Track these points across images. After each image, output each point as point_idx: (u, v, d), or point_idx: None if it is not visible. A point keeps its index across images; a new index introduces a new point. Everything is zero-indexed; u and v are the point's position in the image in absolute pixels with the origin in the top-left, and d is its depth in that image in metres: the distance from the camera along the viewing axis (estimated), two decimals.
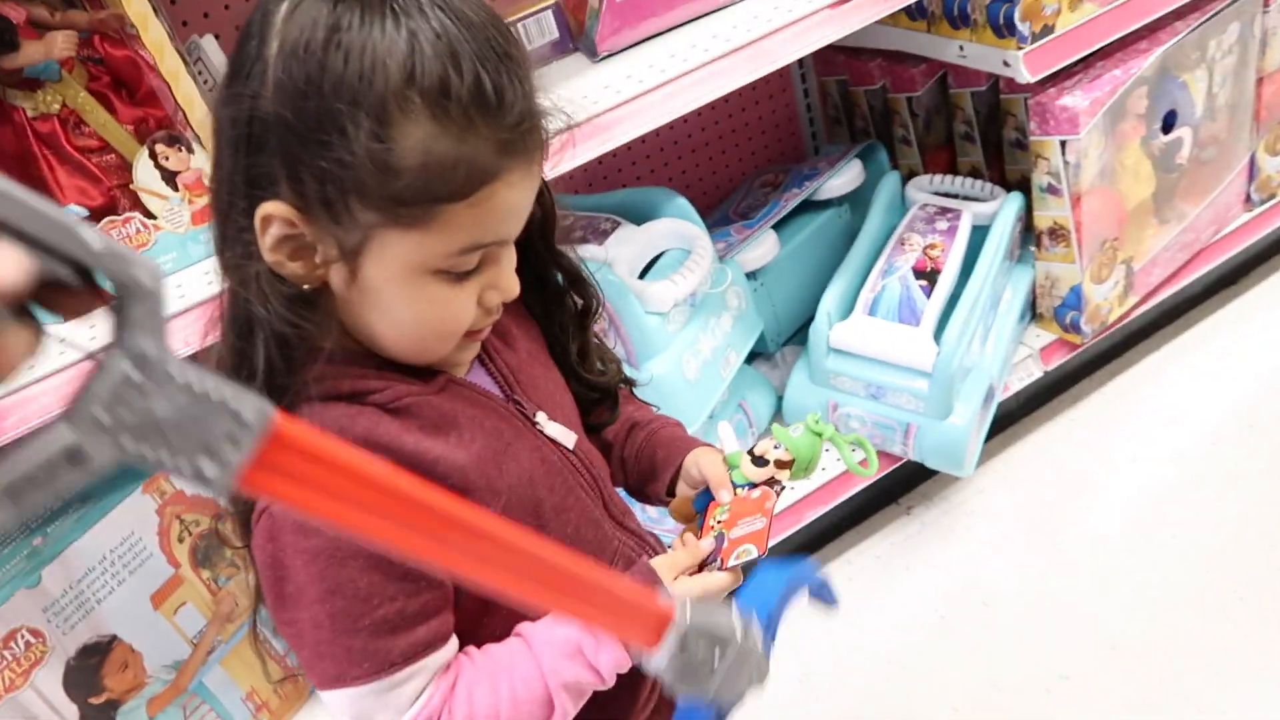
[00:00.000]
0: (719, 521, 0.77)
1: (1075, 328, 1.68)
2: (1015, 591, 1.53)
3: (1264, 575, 1.45)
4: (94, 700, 1.21)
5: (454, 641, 0.69)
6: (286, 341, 0.62)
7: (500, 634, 0.73)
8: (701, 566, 0.74)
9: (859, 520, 1.72)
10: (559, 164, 0.73)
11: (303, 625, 0.64)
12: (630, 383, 0.90)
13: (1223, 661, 1.36)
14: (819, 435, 0.80)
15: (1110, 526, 1.59)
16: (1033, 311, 1.75)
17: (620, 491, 0.88)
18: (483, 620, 0.73)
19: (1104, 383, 1.85)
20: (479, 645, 0.72)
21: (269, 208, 0.59)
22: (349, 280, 0.63)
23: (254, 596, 0.70)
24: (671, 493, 0.84)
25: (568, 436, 0.77)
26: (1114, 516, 1.60)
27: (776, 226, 1.69)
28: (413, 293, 0.63)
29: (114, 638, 1.22)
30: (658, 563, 0.73)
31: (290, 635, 0.65)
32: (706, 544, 0.74)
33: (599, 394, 0.85)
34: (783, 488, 0.79)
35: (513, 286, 0.68)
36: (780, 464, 0.78)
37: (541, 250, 0.77)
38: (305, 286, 0.62)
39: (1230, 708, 1.30)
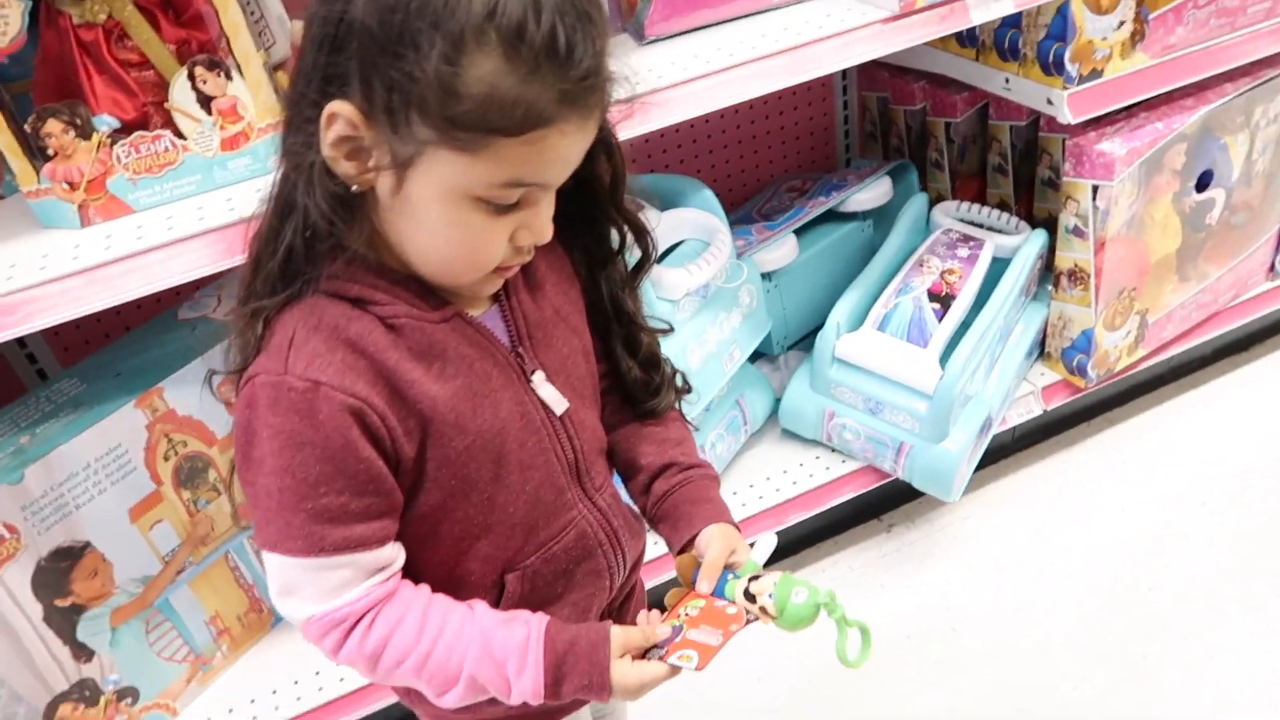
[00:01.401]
0: (686, 614, 0.78)
1: (1081, 371, 1.68)
2: (985, 622, 1.53)
3: (1239, 637, 1.45)
4: (60, 602, 1.21)
5: (393, 550, 0.72)
6: (316, 233, 0.66)
7: (441, 562, 0.76)
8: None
9: (839, 531, 1.72)
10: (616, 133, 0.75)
11: (258, 489, 0.68)
12: (682, 390, 0.90)
13: (1184, 712, 1.36)
14: (819, 608, 0.78)
15: (1089, 570, 1.59)
16: (1041, 350, 1.75)
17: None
18: (426, 544, 0.75)
19: (1101, 429, 1.85)
20: (421, 567, 0.75)
21: (337, 106, 0.62)
22: (394, 190, 0.65)
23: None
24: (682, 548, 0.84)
25: (559, 402, 0.78)
26: (1094, 561, 1.60)
27: (798, 232, 1.69)
28: (451, 215, 0.66)
29: (87, 544, 1.22)
30: (614, 633, 0.73)
31: (248, 494, 0.69)
32: (663, 631, 0.75)
33: (648, 368, 0.86)
34: (755, 620, 0.79)
35: (546, 231, 0.70)
36: (765, 611, 0.78)
37: (608, 208, 0.79)
38: (353, 187, 0.66)
39: None
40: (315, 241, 0.67)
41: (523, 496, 0.76)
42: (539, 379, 0.77)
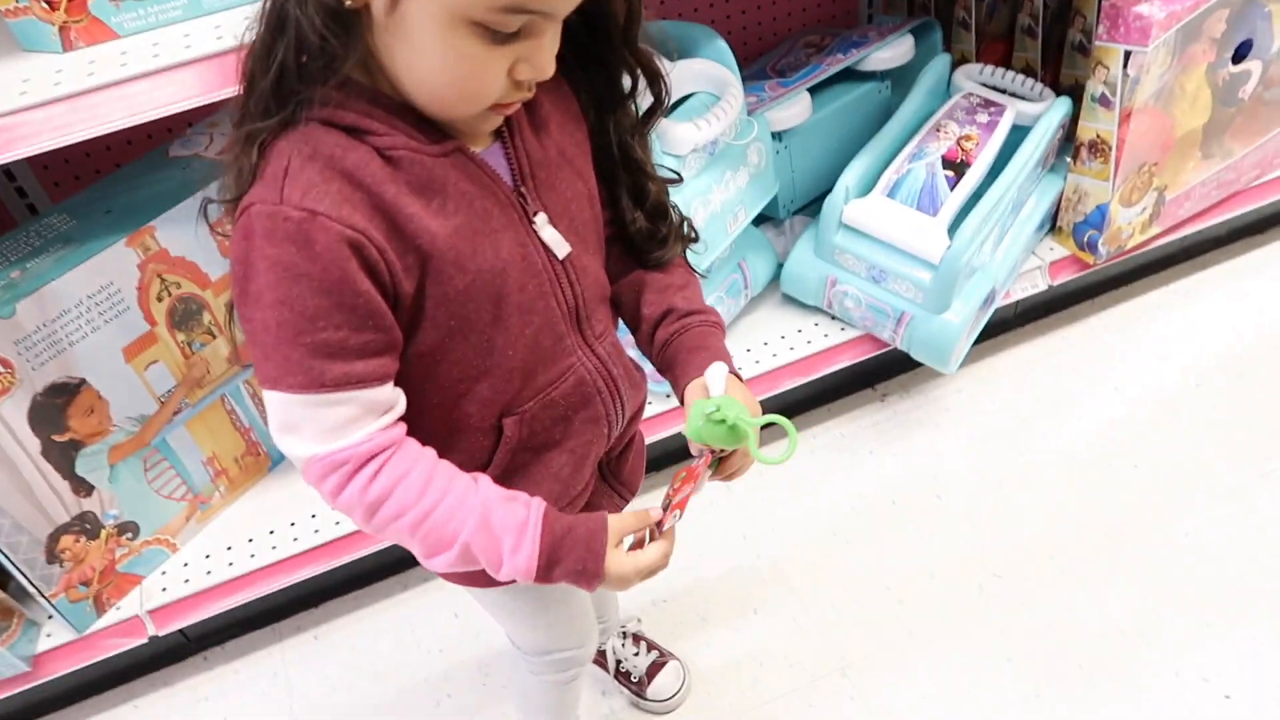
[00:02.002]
0: (674, 489, 0.78)
1: (1091, 247, 1.65)
2: (969, 491, 1.56)
3: (1217, 519, 1.48)
4: (57, 438, 1.22)
5: (394, 392, 0.71)
6: (309, 50, 0.63)
7: (439, 404, 0.75)
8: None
9: (832, 398, 1.73)
10: None
11: (256, 324, 0.66)
12: (689, 239, 0.88)
13: (1156, 592, 1.40)
14: (723, 421, 0.75)
15: (1076, 448, 1.61)
16: (1052, 224, 1.71)
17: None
18: (425, 385, 0.74)
19: (1105, 307, 1.83)
20: (419, 409, 0.74)
21: None
22: (389, 8, 0.62)
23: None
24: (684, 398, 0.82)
25: (561, 246, 0.76)
26: (1082, 439, 1.62)
27: (812, 90, 1.62)
28: (447, 40, 0.63)
29: (83, 381, 1.22)
30: (611, 520, 0.73)
31: (247, 330, 0.67)
32: (656, 513, 0.76)
33: (655, 216, 0.84)
34: (721, 452, 0.80)
35: (548, 67, 0.67)
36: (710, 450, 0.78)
37: (621, 49, 0.76)
38: (347, 3, 0.62)
39: (1150, 629, 1.35)
40: (309, 61, 0.64)
41: (521, 340, 0.75)
42: (541, 221, 0.75)
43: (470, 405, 0.76)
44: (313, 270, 0.63)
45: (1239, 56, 1.58)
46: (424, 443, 0.74)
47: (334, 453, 0.68)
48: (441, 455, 0.74)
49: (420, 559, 0.74)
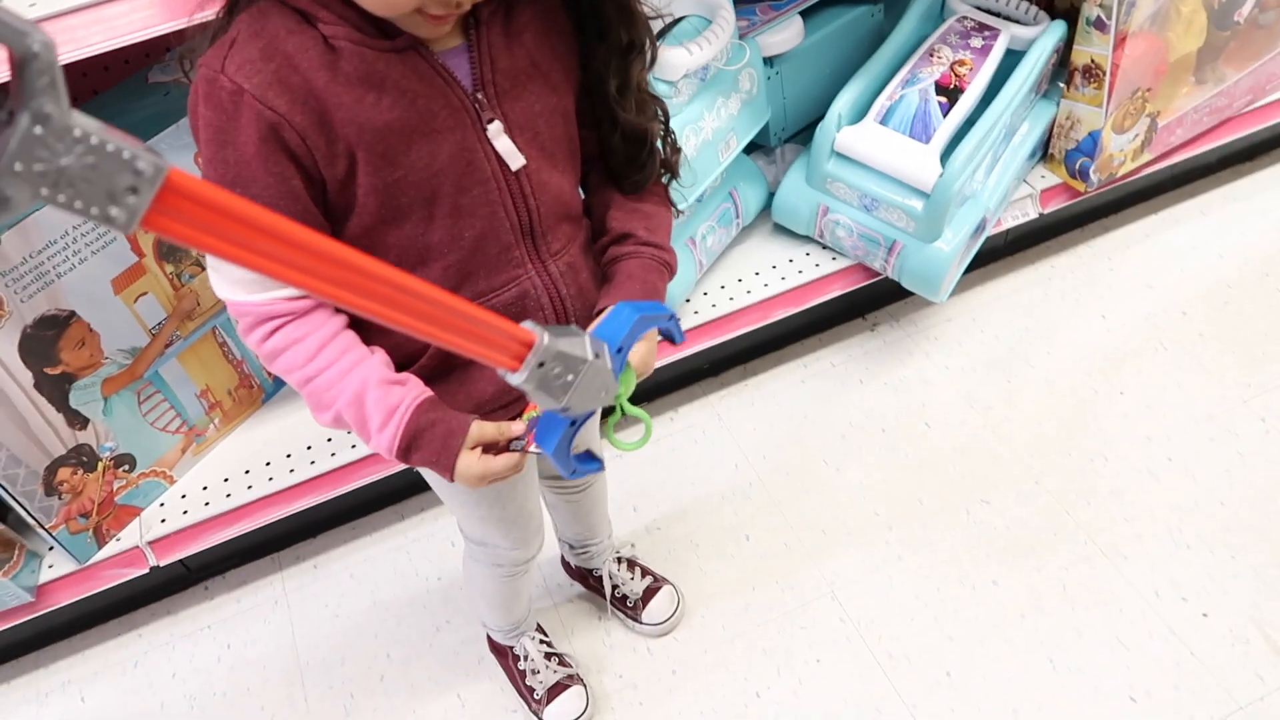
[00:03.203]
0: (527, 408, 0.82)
1: (1083, 175, 1.65)
2: (958, 417, 1.58)
3: (1198, 443, 1.51)
4: (49, 370, 1.22)
5: None
6: None
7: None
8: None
9: (824, 328, 1.73)
10: None
11: (202, 169, 0.72)
12: (671, 171, 0.89)
13: (1137, 513, 1.43)
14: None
15: (1063, 374, 1.62)
16: (1045, 151, 1.70)
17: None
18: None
19: (1095, 235, 1.83)
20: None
21: None
22: None
23: None
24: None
25: (515, 157, 0.77)
26: (1070, 365, 1.64)
27: (805, 15, 1.59)
28: None
29: (72, 314, 1.21)
30: (474, 426, 0.77)
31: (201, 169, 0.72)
32: (518, 427, 0.79)
33: (633, 144, 0.83)
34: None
35: None
36: None
37: None
38: None
39: (1133, 553, 1.39)
40: None
41: (460, 242, 0.77)
42: (495, 129, 0.75)
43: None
44: (235, 140, 0.68)
45: None
46: (360, 324, 0.79)
47: (239, 303, 0.75)
48: (376, 337, 0.79)
49: (311, 413, 0.79)
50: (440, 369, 0.83)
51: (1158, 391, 1.58)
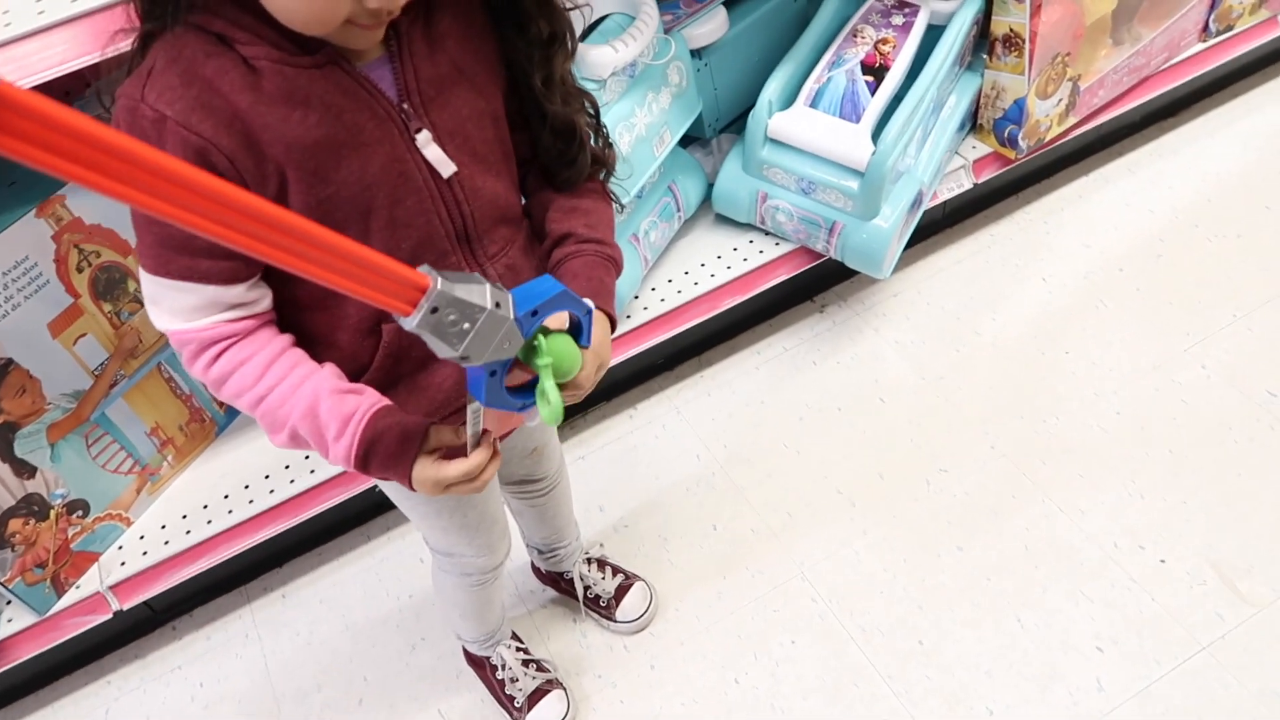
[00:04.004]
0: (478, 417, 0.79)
1: (1012, 142, 1.68)
2: (911, 390, 1.61)
3: (1143, 394, 1.54)
4: None
5: (247, 291, 0.75)
6: None
7: (318, 306, 0.78)
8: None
9: (774, 313, 1.75)
10: None
11: None
12: (605, 166, 0.88)
13: (1090, 468, 1.46)
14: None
15: (1010, 339, 1.66)
16: (973, 122, 1.73)
17: None
18: (302, 286, 0.76)
19: (1030, 201, 1.87)
20: (301, 312, 0.78)
21: None
22: None
23: None
24: None
25: (445, 165, 0.76)
26: (1015, 330, 1.67)
27: (728, 5, 1.61)
28: None
29: (9, 361, 1.19)
30: (431, 431, 0.76)
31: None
32: (472, 432, 0.76)
33: (563, 138, 0.83)
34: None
35: None
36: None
37: None
38: None
39: (1089, 507, 1.42)
40: None
41: (396, 253, 0.74)
42: (424, 139, 0.75)
43: (349, 307, 0.79)
44: None
45: None
46: (307, 341, 0.78)
47: (180, 331, 0.74)
48: (325, 353, 0.79)
49: (269, 437, 0.78)
50: (388, 378, 0.82)
51: (1102, 348, 1.62)
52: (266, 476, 1.43)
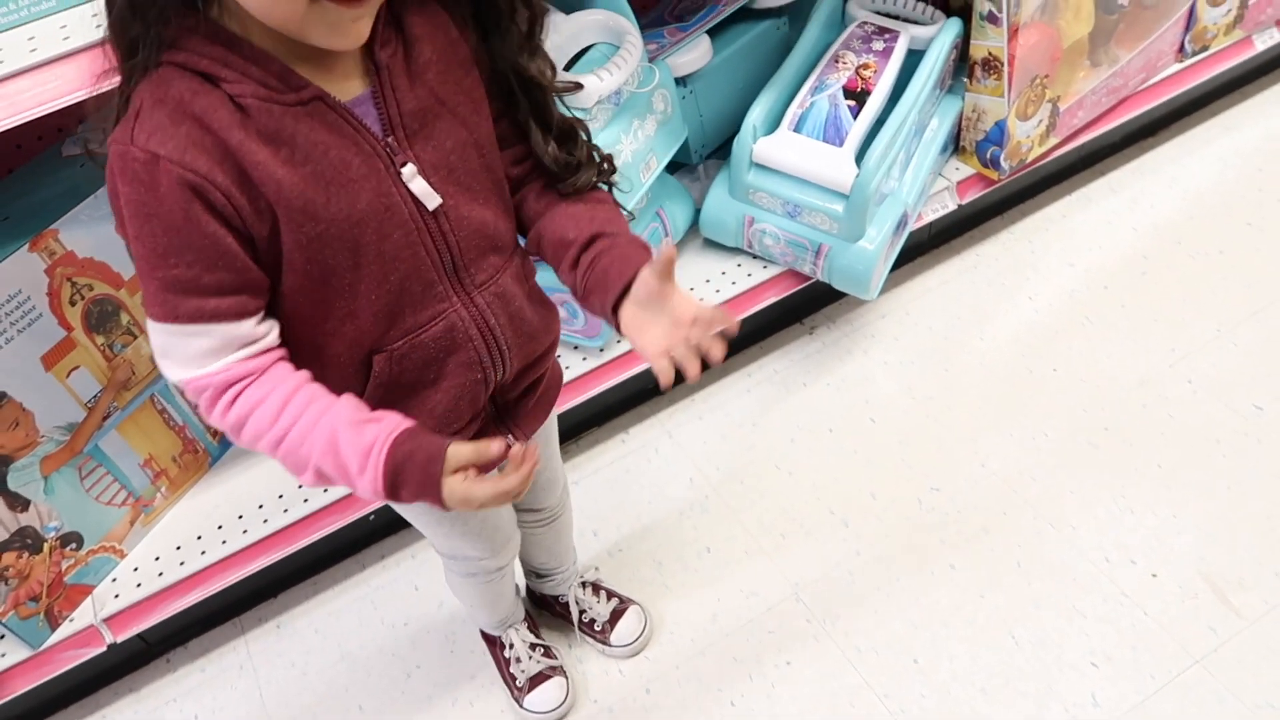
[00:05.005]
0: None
1: (995, 163, 1.70)
2: (901, 410, 1.62)
3: (1131, 410, 1.56)
4: None
5: (257, 326, 0.75)
6: None
7: (307, 340, 0.78)
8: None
9: (764, 336, 1.76)
10: None
11: (131, 249, 0.71)
12: (606, 171, 0.88)
13: (1080, 484, 1.47)
14: None
15: (998, 357, 1.67)
16: (956, 144, 1.76)
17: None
18: (291, 322, 0.77)
19: (1015, 221, 1.89)
20: (290, 343, 0.78)
21: None
22: None
23: None
24: (616, 308, 0.80)
25: (431, 198, 0.77)
26: (1002, 348, 1.68)
27: (712, 34, 1.63)
28: None
29: (3, 394, 1.19)
30: (450, 450, 0.74)
31: (132, 256, 0.72)
32: (497, 447, 0.75)
33: (566, 141, 0.84)
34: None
35: None
36: None
37: None
38: None
39: (1080, 523, 1.42)
40: (149, 3, 0.66)
41: (385, 286, 0.78)
42: (409, 172, 0.76)
43: (338, 343, 0.79)
44: (160, 211, 0.67)
45: None
46: (318, 369, 0.78)
47: (196, 379, 0.74)
48: (334, 382, 0.78)
49: (294, 477, 0.78)
50: (381, 406, 0.79)
51: (1088, 364, 1.63)
52: (260, 506, 1.43)
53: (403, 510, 1.05)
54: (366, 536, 1.57)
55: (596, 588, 1.41)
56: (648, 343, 0.79)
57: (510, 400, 0.93)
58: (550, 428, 1.12)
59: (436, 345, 0.82)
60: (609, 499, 1.57)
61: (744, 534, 1.50)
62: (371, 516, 1.50)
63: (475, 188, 0.81)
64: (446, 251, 0.80)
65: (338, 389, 0.79)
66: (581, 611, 1.39)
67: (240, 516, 1.43)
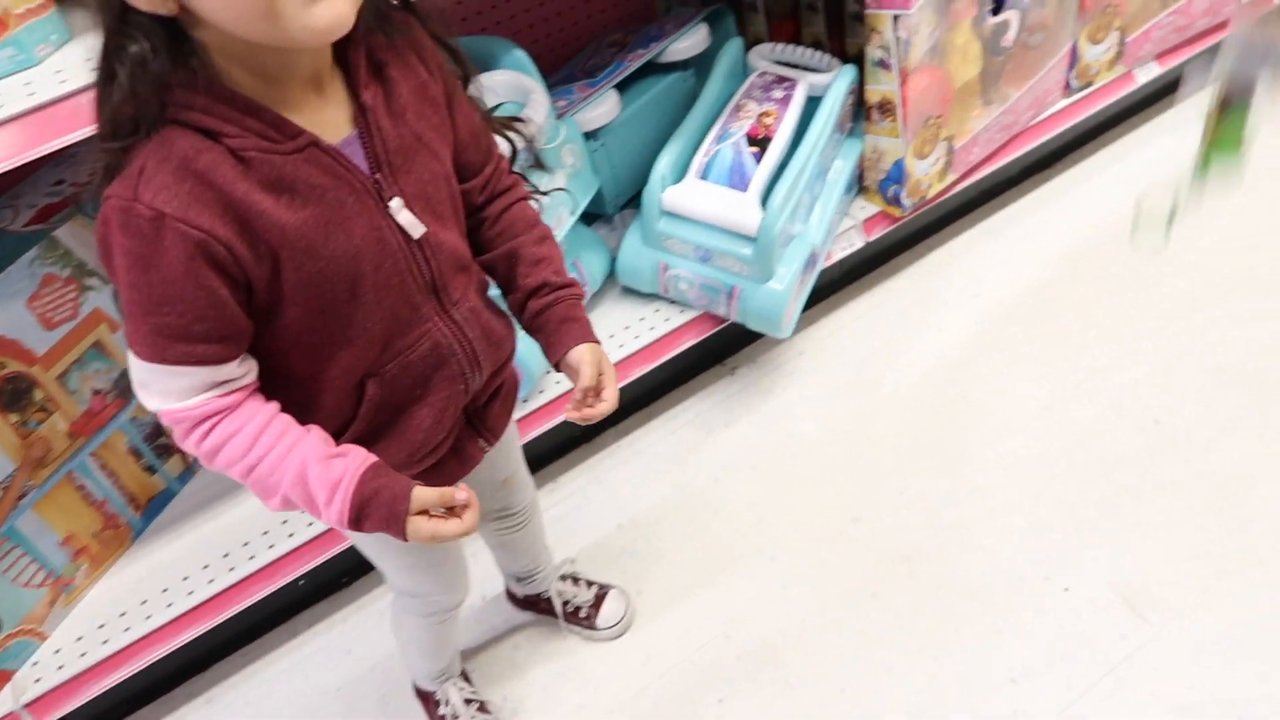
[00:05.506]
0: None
1: (897, 201, 1.77)
2: (822, 444, 1.66)
3: (1040, 431, 1.61)
4: None
5: (237, 368, 0.79)
6: (145, 67, 0.69)
7: (305, 369, 0.84)
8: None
9: (687, 379, 1.80)
10: None
11: (121, 296, 0.75)
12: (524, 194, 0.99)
13: (994, 505, 1.52)
14: None
15: (911, 388, 1.72)
16: (860, 184, 1.82)
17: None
18: (291, 353, 0.83)
19: (921, 256, 1.96)
20: (288, 373, 0.83)
21: None
22: None
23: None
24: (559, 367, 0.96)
25: (415, 227, 0.83)
26: (915, 379, 1.74)
27: (623, 88, 1.69)
28: None
29: None
30: (416, 491, 0.82)
31: (119, 298, 0.76)
32: (463, 496, 0.83)
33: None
34: None
35: None
36: None
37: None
38: (164, 12, 0.67)
39: (994, 542, 1.47)
40: (140, 77, 0.70)
41: (379, 313, 0.83)
42: (396, 205, 0.82)
43: (334, 370, 0.84)
44: (160, 264, 0.71)
45: (997, 8, 1.72)
46: (293, 404, 0.83)
47: (174, 411, 0.78)
48: (308, 415, 0.84)
49: (263, 502, 0.83)
50: (371, 428, 0.88)
51: (997, 391, 1.69)
52: (185, 578, 1.42)
53: (366, 550, 1.09)
54: (297, 602, 1.56)
55: (575, 578, 1.46)
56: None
57: (480, 406, 0.99)
58: (514, 429, 1.18)
59: (424, 364, 0.89)
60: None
61: (674, 575, 1.52)
62: (301, 581, 1.49)
63: (445, 215, 0.88)
64: (429, 275, 0.86)
65: (332, 414, 0.86)
66: (565, 602, 1.43)
67: (165, 590, 1.41)
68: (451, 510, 0.83)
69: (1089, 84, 2.01)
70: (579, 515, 1.62)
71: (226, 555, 1.44)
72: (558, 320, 0.95)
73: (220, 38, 0.70)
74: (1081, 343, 1.74)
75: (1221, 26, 2.10)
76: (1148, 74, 2.06)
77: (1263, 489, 1.48)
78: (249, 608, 1.42)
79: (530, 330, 0.98)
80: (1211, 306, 1.76)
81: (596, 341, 0.96)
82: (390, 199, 0.81)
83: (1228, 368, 1.66)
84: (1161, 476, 1.52)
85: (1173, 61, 2.08)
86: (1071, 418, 1.63)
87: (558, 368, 0.96)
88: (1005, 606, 1.40)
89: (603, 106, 1.63)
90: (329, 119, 0.78)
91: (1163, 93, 2.19)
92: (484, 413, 1.00)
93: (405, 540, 0.82)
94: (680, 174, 1.60)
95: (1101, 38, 1.95)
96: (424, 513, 0.82)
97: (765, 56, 1.75)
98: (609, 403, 0.93)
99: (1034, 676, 1.32)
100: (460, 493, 0.83)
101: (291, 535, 1.45)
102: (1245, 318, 1.73)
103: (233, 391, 0.79)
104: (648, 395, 1.76)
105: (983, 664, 1.34)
